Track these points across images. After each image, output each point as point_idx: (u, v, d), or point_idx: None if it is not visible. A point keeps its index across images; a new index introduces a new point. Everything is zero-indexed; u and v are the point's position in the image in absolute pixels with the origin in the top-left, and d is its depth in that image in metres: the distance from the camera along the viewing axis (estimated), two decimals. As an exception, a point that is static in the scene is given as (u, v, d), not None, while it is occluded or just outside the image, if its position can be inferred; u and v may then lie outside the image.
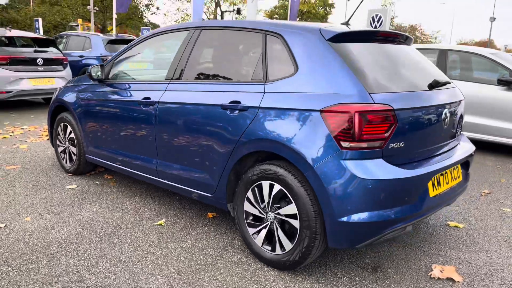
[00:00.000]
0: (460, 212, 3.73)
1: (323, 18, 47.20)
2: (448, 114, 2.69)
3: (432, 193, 2.49)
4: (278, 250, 2.55)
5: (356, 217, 2.23)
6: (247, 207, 2.70)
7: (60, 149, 4.46)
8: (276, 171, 2.47)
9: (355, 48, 2.54)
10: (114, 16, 15.90)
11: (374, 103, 2.24)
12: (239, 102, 2.68)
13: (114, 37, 10.87)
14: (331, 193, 2.24)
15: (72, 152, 4.27)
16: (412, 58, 2.93)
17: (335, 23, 3.22)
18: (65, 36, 10.99)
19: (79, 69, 9.81)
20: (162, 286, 2.38)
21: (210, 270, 2.57)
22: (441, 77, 2.95)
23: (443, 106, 2.66)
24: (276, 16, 44.80)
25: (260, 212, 2.63)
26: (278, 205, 2.52)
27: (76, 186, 4.01)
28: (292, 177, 2.40)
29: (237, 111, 2.68)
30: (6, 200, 3.58)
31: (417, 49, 5.77)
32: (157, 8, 47.26)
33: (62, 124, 4.34)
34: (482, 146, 6.31)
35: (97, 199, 3.70)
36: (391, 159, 2.32)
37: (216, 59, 3.26)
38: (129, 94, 3.56)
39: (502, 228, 3.43)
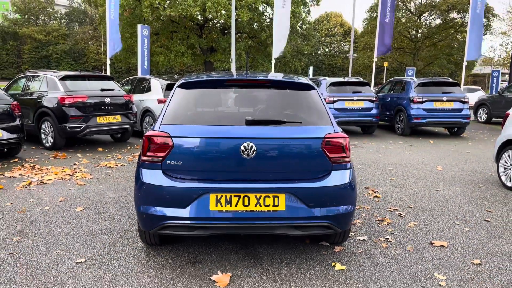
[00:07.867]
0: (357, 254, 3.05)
1: None
2: (252, 147, 2.94)
3: (214, 207, 2.91)
4: None
5: (142, 208, 3.05)
6: None
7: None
8: None
9: (192, 92, 3.34)
10: (375, 59, 17.12)
11: (159, 131, 3.01)
12: None
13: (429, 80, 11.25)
14: (135, 189, 3.14)
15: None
16: (268, 99, 3.34)
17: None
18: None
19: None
20: (70, 235, 3.72)
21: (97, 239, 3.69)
22: (284, 117, 3.16)
23: (244, 139, 2.95)
24: None
25: None
26: None
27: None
28: None
29: None
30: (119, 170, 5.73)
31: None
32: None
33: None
34: None
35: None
36: (169, 172, 3.01)
37: None
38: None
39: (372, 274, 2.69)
